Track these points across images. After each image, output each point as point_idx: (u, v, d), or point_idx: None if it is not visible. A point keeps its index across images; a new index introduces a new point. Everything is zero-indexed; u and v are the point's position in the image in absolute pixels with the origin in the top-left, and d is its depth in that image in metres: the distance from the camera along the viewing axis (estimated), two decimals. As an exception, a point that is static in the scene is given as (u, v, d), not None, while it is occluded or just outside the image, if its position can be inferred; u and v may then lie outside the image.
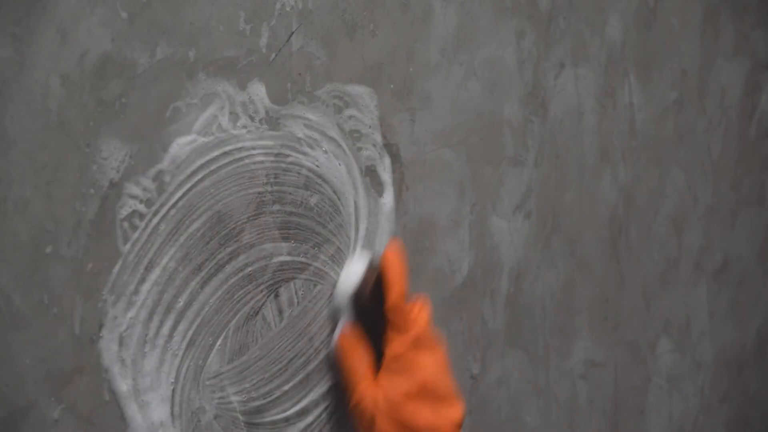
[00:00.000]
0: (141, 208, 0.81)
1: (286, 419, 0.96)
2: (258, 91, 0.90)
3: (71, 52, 0.75)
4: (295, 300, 0.96)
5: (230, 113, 0.88)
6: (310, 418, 0.98)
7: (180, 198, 0.84)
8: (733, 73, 1.73)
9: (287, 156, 0.93)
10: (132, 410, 0.82)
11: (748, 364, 1.90)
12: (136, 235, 0.81)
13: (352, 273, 0.97)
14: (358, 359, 0.95)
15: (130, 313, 0.81)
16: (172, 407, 0.85)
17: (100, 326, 0.79)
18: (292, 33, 0.93)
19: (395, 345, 0.93)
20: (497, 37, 1.18)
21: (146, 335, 0.83)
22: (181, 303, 0.85)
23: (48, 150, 0.74)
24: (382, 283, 0.95)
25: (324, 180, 0.97)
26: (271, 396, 0.94)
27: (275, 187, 0.93)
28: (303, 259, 0.96)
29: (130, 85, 0.79)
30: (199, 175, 0.86)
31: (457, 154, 1.14)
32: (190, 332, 0.87)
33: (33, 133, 0.73)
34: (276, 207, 0.93)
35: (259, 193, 0.91)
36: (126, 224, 0.80)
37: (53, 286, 0.75)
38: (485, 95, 1.17)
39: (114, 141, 0.79)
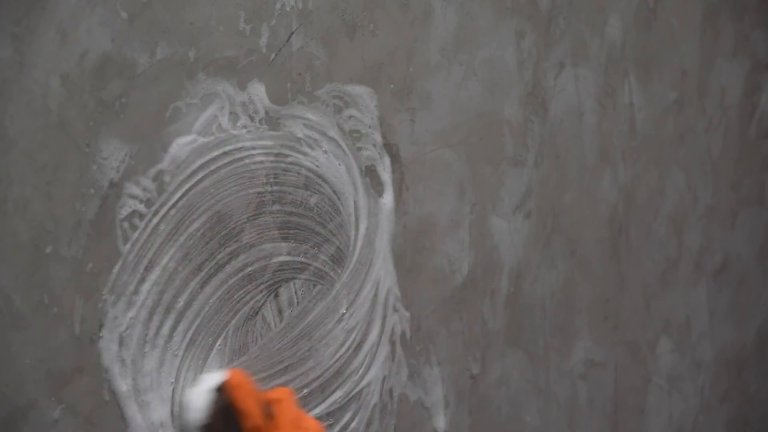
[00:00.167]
0: (141, 208, 0.81)
1: (286, 419, 0.96)
2: (258, 91, 0.90)
3: (71, 52, 0.75)
4: (295, 300, 0.96)
5: (230, 113, 0.88)
6: (310, 418, 0.98)
7: (180, 198, 0.84)
8: (733, 73, 1.73)
9: (287, 156, 0.93)
10: (132, 410, 0.82)
11: (748, 364, 1.89)
12: (136, 235, 0.81)
13: (197, 402, 0.87)
14: None
15: (130, 313, 0.81)
16: (172, 407, 0.85)
17: (100, 326, 0.79)
18: (292, 33, 0.93)
19: None
20: (497, 37, 1.18)
21: (146, 335, 0.83)
22: (181, 303, 0.85)
23: (48, 150, 0.74)
24: (230, 408, 0.87)
25: (324, 180, 0.97)
26: (271, 396, 0.94)
27: (275, 187, 0.93)
28: (303, 259, 0.96)
29: (130, 85, 0.79)
30: (199, 175, 0.86)
31: (457, 154, 1.14)
32: (190, 332, 0.86)
33: (33, 133, 0.73)
34: (276, 207, 0.93)
35: (259, 193, 0.91)
36: (126, 224, 0.80)
37: (53, 286, 0.75)
38: (485, 95, 1.17)
39: (114, 141, 0.79)
